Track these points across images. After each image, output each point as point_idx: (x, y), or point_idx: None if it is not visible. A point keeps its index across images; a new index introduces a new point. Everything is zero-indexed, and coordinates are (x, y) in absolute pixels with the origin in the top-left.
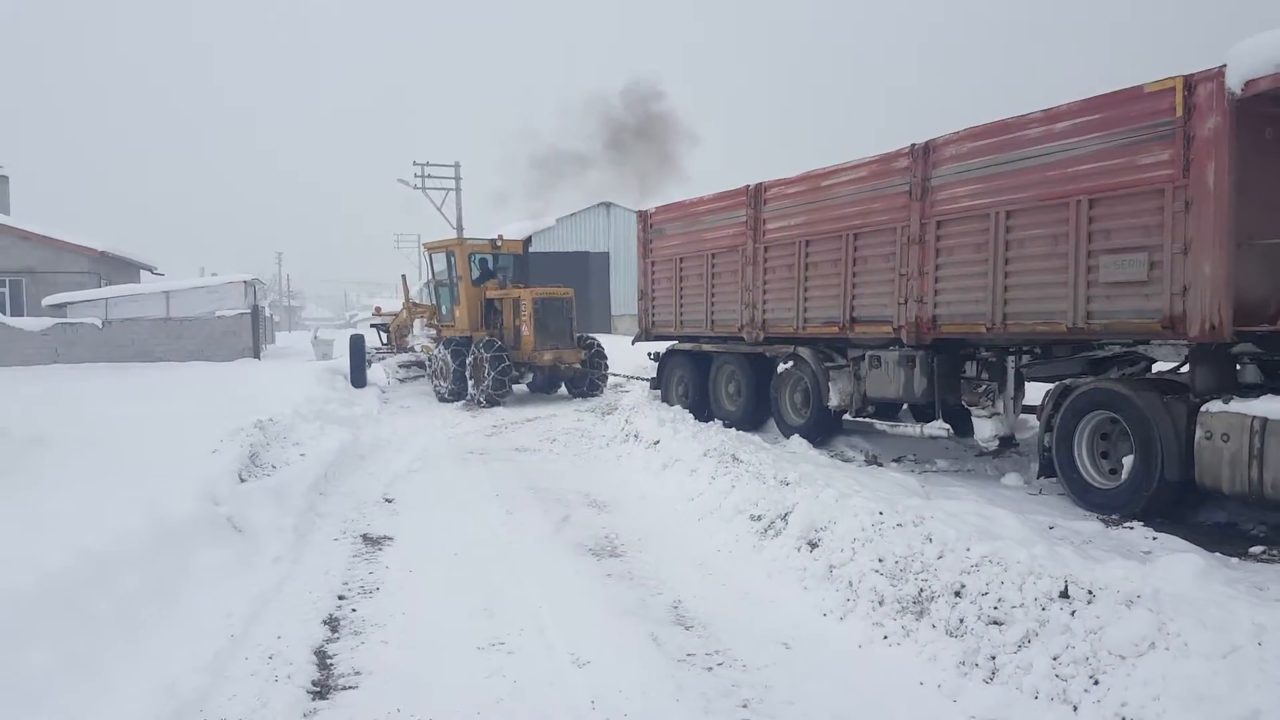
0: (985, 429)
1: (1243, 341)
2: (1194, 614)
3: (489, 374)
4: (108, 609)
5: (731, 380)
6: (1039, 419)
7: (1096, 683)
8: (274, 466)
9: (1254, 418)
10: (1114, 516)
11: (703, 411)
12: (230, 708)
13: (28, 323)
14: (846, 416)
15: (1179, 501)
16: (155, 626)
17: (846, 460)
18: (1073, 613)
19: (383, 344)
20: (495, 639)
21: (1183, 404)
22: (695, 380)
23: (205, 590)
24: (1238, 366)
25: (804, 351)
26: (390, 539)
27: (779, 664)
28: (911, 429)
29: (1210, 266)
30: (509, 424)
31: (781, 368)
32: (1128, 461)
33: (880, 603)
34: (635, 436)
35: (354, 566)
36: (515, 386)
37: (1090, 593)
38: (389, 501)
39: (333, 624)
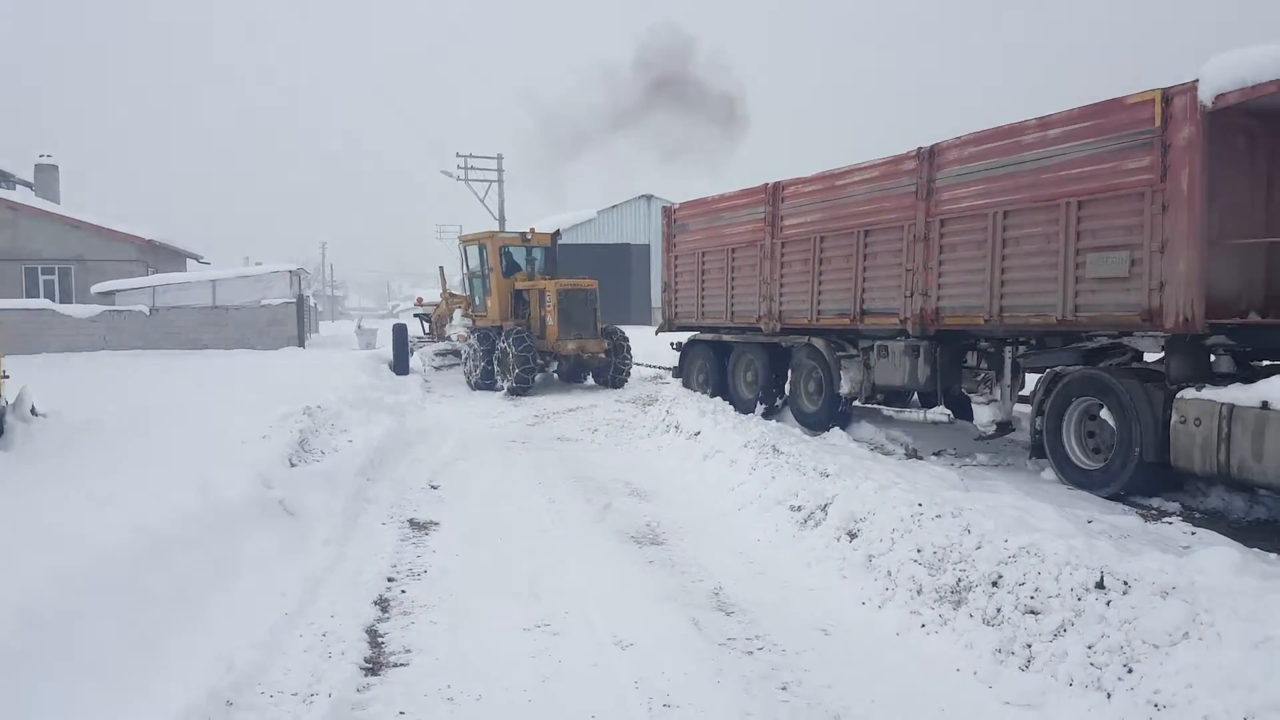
0: (984, 415)
1: (1215, 334)
2: (1228, 605)
3: (514, 363)
4: (166, 586)
5: (749, 369)
6: (1032, 405)
7: (1130, 671)
8: (323, 452)
9: (1223, 404)
10: (1154, 509)
11: (721, 398)
12: (286, 681)
13: (77, 309)
14: (856, 403)
15: (1155, 482)
16: (212, 604)
17: (886, 453)
18: (1108, 603)
19: (425, 333)
20: (540, 621)
21: (1160, 391)
22: (715, 369)
23: (259, 570)
24: (1212, 357)
25: (817, 342)
26: (436, 524)
27: (817, 649)
28: (916, 414)
29: (1184, 264)
30: (550, 414)
31: (794, 359)
32: (1109, 419)
33: (918, 592)
34: (676, 428)
35: (402, 550)
36: (545, 375)
37: (1126, 584)
38: (434, 488)
39: (383, 604)
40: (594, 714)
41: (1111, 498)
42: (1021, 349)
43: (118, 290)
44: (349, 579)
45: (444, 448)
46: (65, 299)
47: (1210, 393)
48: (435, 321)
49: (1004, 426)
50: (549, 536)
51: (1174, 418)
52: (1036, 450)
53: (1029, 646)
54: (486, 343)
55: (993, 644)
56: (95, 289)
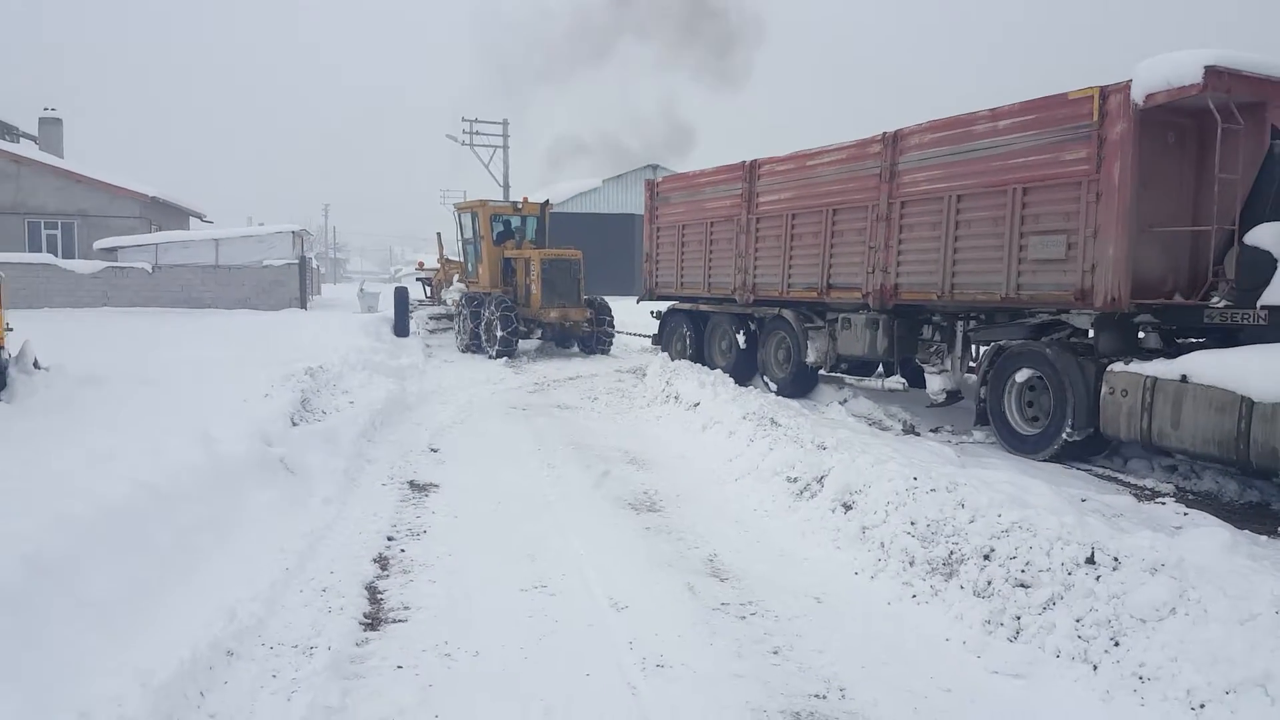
0: (935, 384)
1: (1141, 313)
2: (1216, 583)
3: (497, 329)
4: (168, 540)
5: (724, 337)
6: (977, 375)
7: (1117, 644)
8: (324, 412)
9: (1147, 376)
10: (1148, 490)
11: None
12: (287, 634)
13: (79, 265)
14: (822, 372)
15: (1087, 448)
16: (213, 557)
17: (884, 429)
18: (1098, 578)
19: (426, 297)
20: (537, 582)
21: (1092, 364)
22: (692, 337)
23: (259, 526)
24: (1141, 334)
25: (787, 313)
26: (436, 486)
27: (810, 616)
28: (875, 382)
29: (1113, 249)
30: (551, 381)
31: (766, 329)
32: (1047, 389)
33: (911, 563)
34: (675, 398)
35: (401, 510)
36: (534, 342)
37: (1116, 559)
38: (435, 451)
39: (382, 562)
40: (589, 672)
41: (1049, 460)
42: (972, 323)
43: (120, 247)
44: (349, 537)
45: (444, 412)
46: (68, 254)
47: (1137, 366)
48: (435, 286)
49: (953, 395)
50: (547, 501)
51: (1104, 389)
52: (980, 418)
53: (1018, 618)
54: (475, 308)
55: (982, 615)
56: (98, 245)
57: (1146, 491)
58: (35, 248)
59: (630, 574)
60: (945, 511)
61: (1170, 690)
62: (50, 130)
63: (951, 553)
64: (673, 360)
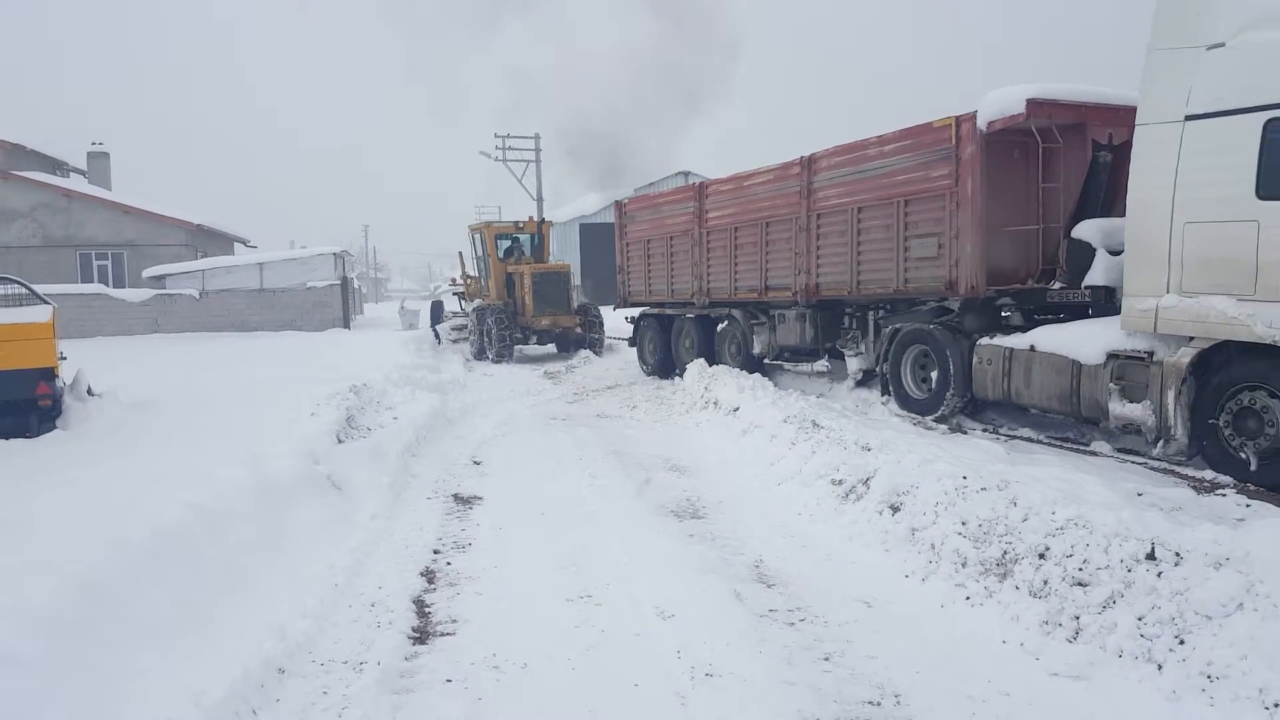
0: (853, 365)
1: (1001, 297)
2: None
3: (495, 337)
4: (219, 559)
5: (687, 336)
6: (877, 353)
7: (1182, 642)
8: (369, 429)
9: (1005, 347)
10: (1208, 482)
11: (668, 362)
12: (336, 650)
13: (129, 294)
14: (767, 361)
15: (967, 407)
16: (263, 575)
17: (929, 428)
18: (1159, 574)
19: (460, 310)
20: (583, 592)
21: (967, 340)
22: (661, 337)
23: (308, 543)
24: (1005, 313)
25: (736, 313)
26: (480, 499)
27: (860, 621)
28: (806, 367)
29: (971, 247)
30: (589, 391)
31: (720, 327)
32: (933, 361)
33: (963, 564)
34: (715, 404)
35: (447, 524)
36: (541, 348)
37: (1178, 555)
38: (477, 464)
39: (429, 576)
40: (637, 682)
41: (938, 420)
42: (880, 312)
43: (168, 274)
44: (396, 551)
45: (486, 424)
46: (118, 284)
47: (999, 340)
48: (467, 299)
49: (869, 374)
50: (590, 510)
51: (975, 359)
52: (884, 389)
53: (1077, 618)
54: (481, 320)
55: (1040, 616)
56: (147, 273)
57: (1205, 483)
58: (87, 278)
59: (675, 582)
60: (997, 510)
61: (1241, 689)
62: (98, 164)
63: (1005, 552)
64: (736, 370)
